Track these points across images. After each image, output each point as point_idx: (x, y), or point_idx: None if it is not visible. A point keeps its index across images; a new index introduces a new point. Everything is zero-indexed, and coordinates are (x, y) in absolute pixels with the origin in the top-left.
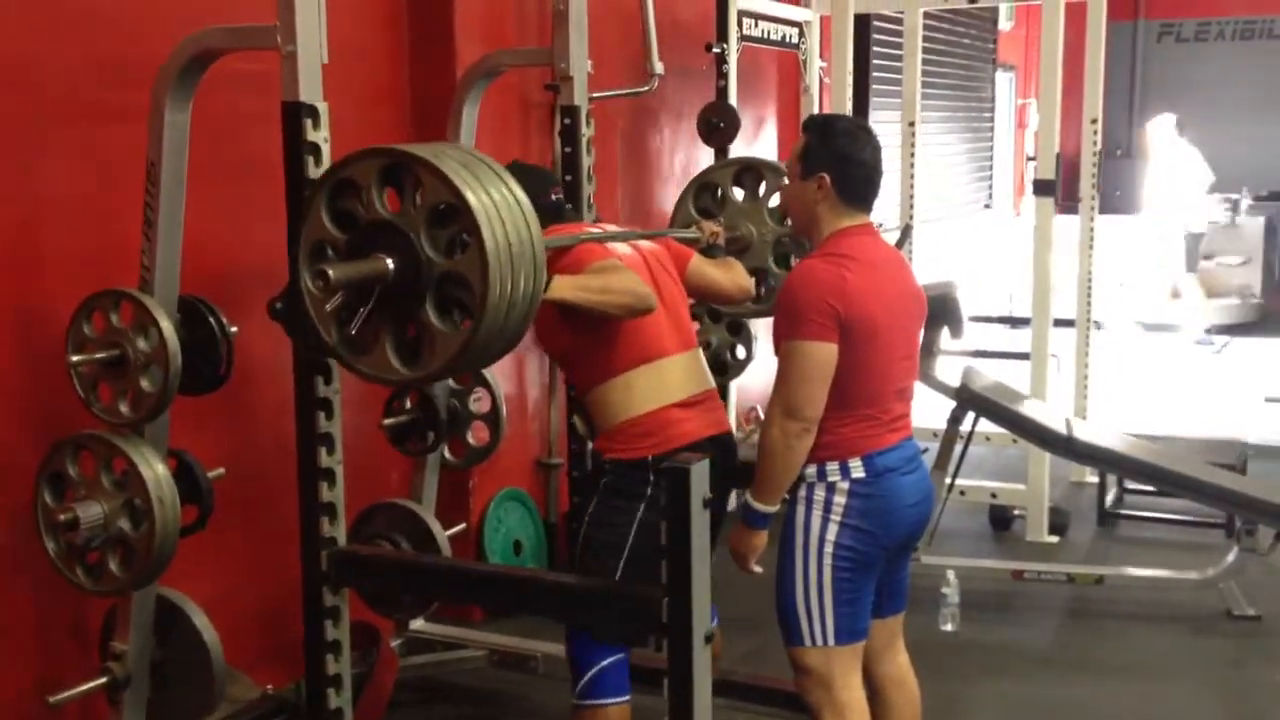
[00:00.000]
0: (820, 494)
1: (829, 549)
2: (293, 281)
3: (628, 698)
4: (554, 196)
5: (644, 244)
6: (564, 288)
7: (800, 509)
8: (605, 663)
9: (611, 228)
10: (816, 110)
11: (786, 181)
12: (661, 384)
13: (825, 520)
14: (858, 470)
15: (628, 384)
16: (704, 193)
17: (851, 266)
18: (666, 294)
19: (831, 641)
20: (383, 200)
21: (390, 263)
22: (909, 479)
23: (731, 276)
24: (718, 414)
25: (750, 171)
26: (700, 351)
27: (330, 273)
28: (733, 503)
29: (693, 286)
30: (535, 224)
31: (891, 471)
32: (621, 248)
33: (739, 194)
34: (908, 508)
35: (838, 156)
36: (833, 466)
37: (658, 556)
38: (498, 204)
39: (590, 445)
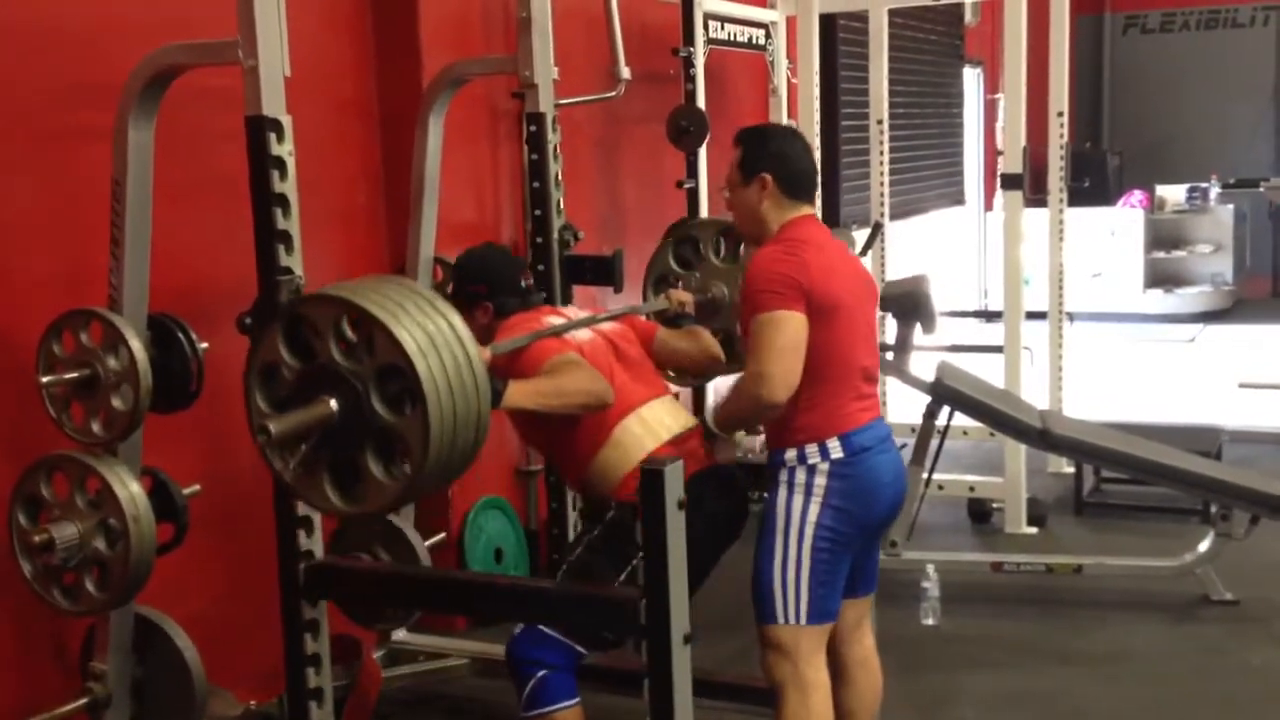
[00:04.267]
0: (801, 477)
1: (810, 529)
2: (246, 402)
3: (577, 700)
4: (523, 284)
5: (606, 325)
6: (519, 396)
7: (782, 491)
8: (545, 671)
9: (575, 312)
10: (785, 111)
11: (729, 194)
12: (647, 428)
13: (807, 502)
14: (836, 450)
15: (616, 444)
16: (684, 245)
17: (808, 249)
18: (633, 360)
19: (804, 620)
20: (339, 342)
21: (335, 406)
22: (884, 458)
23: (700, 346)
24: (702, 450)
25: (731, 234)
26: (672, 394)
27: (271, 428)
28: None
29: (660, 360)
30: (485, 391)
31: (868, 450)
32: (582, 334)
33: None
34: (885, 486)
35: (775, 156)
36: (812, 449)
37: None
38: (447, 365)
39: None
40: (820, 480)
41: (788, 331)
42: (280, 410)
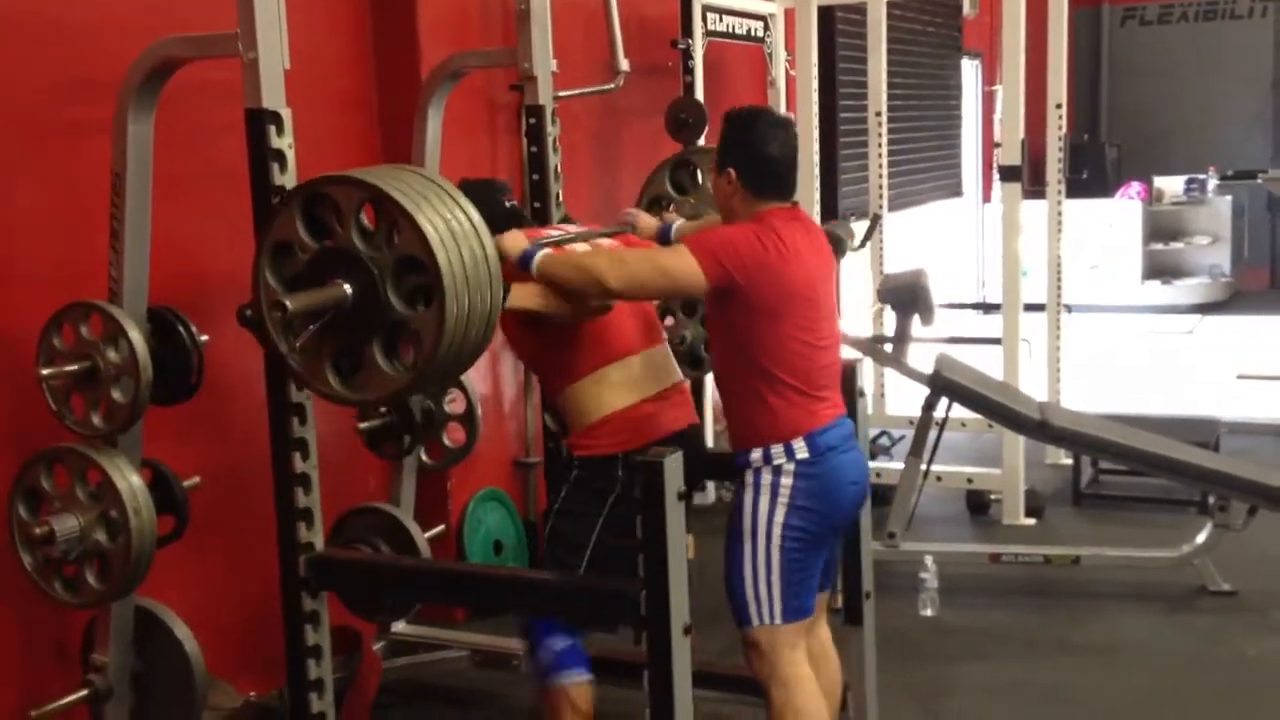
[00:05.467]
0: (767, 478)
1: (778, 531)
2: (254, 279)
3: (589, 676)
4: (507, 204)
5: (603, 241)
6: (523, 295)
7: (749, 494)
8: (559, 647)
9: (574, 228)
10: (784, 103)
11: (710, 175)
12: (632, 380)
13: (773, 504)
14: (802, 450)
15: (598, 381)
16: (681, 170)
17: (779, 242)
18: None
19: (779, 620)
20: (359, 226)
21: (349, 290)
22: (847, 457)
23: None
24: (687, 408)
25: None
26: (667, 345)
27: (287, 304)
28: (709, 495)
29: None
30: (499, 286)
31: (833, 449)
32: (580, 247)
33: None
34: (849, 485)
35: (745, 151)
36: (777, 449)
37: (621, 551)
38: (466, 262)
39: (562, 442)
40: (786, 481)
41: (677, 270)
42: (289, 290)
